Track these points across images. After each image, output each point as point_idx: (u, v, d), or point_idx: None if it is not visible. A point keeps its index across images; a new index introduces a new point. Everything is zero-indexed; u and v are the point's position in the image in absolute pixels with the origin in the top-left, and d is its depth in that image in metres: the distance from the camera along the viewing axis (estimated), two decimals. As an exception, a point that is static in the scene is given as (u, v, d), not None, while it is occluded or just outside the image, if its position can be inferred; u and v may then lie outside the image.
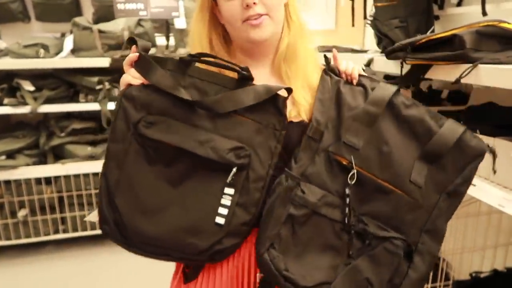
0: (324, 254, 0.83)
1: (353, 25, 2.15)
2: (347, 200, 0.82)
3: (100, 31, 2.32)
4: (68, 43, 2.38)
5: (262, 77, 0.93)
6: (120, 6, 2.30)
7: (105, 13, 2.43)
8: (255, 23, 0.85)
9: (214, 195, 0.83)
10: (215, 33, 0.93)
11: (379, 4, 1.72)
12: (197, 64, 0.86)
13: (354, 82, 0.88)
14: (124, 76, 0.86)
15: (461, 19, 1.65)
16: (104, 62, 2.30)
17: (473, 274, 1.71)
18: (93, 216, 0.90)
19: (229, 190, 0.82)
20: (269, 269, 0.82)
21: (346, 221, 0.82)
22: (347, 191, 0.82)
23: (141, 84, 0.84)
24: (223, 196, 0.82)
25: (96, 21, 2.45)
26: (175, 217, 0.82)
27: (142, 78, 0.83)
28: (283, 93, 0.84)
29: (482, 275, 1.70)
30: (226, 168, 0.81)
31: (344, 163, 0.83)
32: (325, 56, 0.91)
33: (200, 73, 0.85)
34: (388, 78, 1.65)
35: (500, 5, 1.46)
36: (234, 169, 0.81)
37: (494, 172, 0.84)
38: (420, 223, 0.84)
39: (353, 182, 0.82)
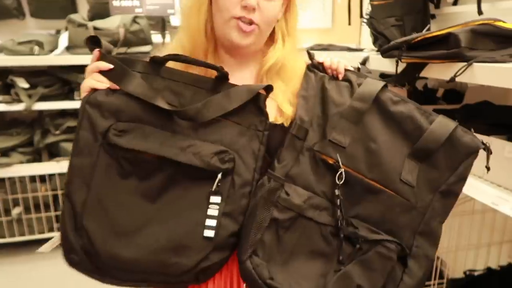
0: (312, 260, 0.78)
1: (349, 23, 2.15)
2: (338, 201, 0.77)
3: (95, 28, 2.31)
4: (63, 40, 2.36)
5: (244, 80, 0.88)
6: (115, 3, 2.29)
7: (101, 10, 2.41)
8: (244, 29, 0.81)
9: (199, 206, 0.75)
10: (210, 26, 0.87)
11: (375, 3, 1.72)
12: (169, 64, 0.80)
13: (340, 77, 0.85)
14: (85, 81, 0.78)
15: (457, 17, 1.65)
16: (99, 59, 2.28)
17: (467, 272, 1.71)
18: (46, 247, 0.81)
19: (216, 199, 0.75)
20: (252, 278, 0.76)
21: (339, 224, 0.77)
22: (336, 192, 0.77)
23: (107, 88, 0.76)
24: (210, 206, 0.75)
25: (92, 18, 2.44)
26: (155, 236, 0.74)
27: (109, 82, 0.76)
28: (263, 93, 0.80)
29: (476, 273, 1.71)
30: (210, 175, 0.75)
31: (331, 162, 0.79)
32: (308, 52, 0.88)
33: (174, 75, 0.79)
34: (384, 76, 1.65)
35: (496, 4, 1.46)
36: (219, 175, 0.75)
37: (488, 169, 0.81)
38: (413, 225, 0.79)
39: (341, 182, 0.77)
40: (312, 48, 2.10)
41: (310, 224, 0.78)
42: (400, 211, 0.79)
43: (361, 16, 2.00)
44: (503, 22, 1.10)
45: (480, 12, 1.42)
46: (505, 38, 1.09)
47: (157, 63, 0.78)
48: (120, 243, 0.74)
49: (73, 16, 2.34)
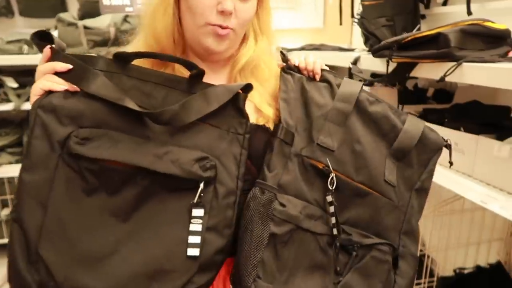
0: (311, 275, 0.74)
1: (340, 23, 2.16)
2: (331, 208, 0.73)
3: (85, 27, 2.29)
4: (53, 39, 2.34)
5: (213, 78, 0.83)
6: (106, 2, 2.27)
7: (91, 9, 2.39)
8: (220, 33, 0.75)
9: (179, 221, 0.66)
10: (177, 28, 0.79)
11: (366, 3, 1.73)
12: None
13: (317, 77, 0.82)
14: (37, 82, 0.66)
15: (447, 18, 1.66)
16: (89, 58, 2.26)
17: (457, 271, 1.73)
18: None
19: (198, 212, 0.66)
20: None
21: (335, 232, 0.73)
22: (329, 198, 0.73)
23: (64, 90, 0.65)
24: (192, 220, 0.66)
25: (82, 17, 2.42)
26: (130, 262, 0.64)
27: (67, 83, 0.66)
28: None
29: (466, 271, 1.73)
30: (191, 185, 0.66)
31: (320, 167, 0.75)
32: (281, 52, 0.84)
33: (142, 73, 0.69)
34: (375, 76, 1.66)
35: (485, 4, 1.48)
36: (202, 185, 0.66)
37: (451, 164, 0.84)
38: (398, 225, 0.80)
39: (333, 187, 0.74)
40: (304, 48, 2.10)
41: (306, 236, 0.73)
42: (385, 212, 0.79)
43: (352, 16, 2.01)
44: (492, 22, 1.11)
45: (469, 12, 1.43)
46: (494, 38, 1.10)
47: (122, 60, 0.69)
48: (86, 274, 0.62)
49: (62, 15, 2.31)
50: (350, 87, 0.81)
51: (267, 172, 0.74)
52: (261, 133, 0.78)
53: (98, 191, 0.64)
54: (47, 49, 0.67)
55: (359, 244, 0.76)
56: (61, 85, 0.65)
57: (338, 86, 0.81)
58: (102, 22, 2.34)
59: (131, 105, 0.64)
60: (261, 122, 0.80)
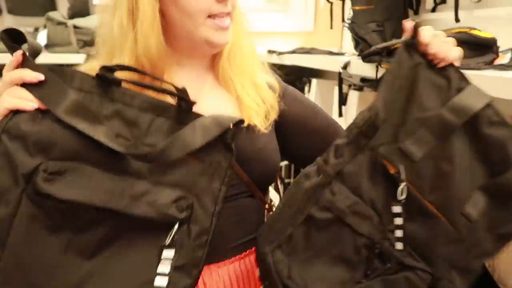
0: (334, 265, 0.70)
1: (331, 27, 2.17)
2: (397, 220, 0.67)
3: (75, 27, 2.27)
4: (41, 38, 2.32)
5: (200, 77, 0.81)
6: (96, 1, 2.26)
7: (81, 9, 2.37)
8: (223, 25, 0.72)
9: (148, 262, 0.61)
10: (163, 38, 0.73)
11: (357, 8, 1.74)
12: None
13: (441, 65, 0.69)
14: (2, 99, 0.57)
15: (435, 24, 1.67)
16: (79, 58, 2.23)
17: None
18: None
19: (169, 253, 0.62)
20: (269, 273, 0.69)
21: (400, 247, 0.68)
22: (397, 209, 0.67)
23: (34, 110, 0.57)
24: (161, 261, 0.61)
25: (72, 16, 2.40)
26: None
27: (36, 100, 0.57)
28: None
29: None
30: (164, 226, 0.62)
31: (391, 172, 0.68)
32: (414, 25, 0.68)
33: (127, 96, 0.63)
34: (364, 81, 1.68)
35: (473, 12, 1.50)
36: (176, 226, 0.62)
37: None
38: (454, 258, 0.69)
39: (403, 198, 0.66)
40: (295, 51, 2.11)
41: (345, 230, 0.69)
42: (446, 241, 0.69)
43: (343, 20, 2.02)
44: (479, 30, 1.13)
45: (457, 19, 1.46)
46: (480, 46, 1.12)
47: (106, 79, 0.61)
48: None
49: (52, 14, 2.29)
50: (471, 98, 0.67)
51: (332, 158, 0.69)
52: (246, 133, 0.76)
53: (63, 229, 0.59)
54: (17, 53, 0.59)
55: (400, 261, 0.69)
56: (30, 102, 0.57)
57: (459, 91, 0.68)
58: (93, 22, 2.32)
59: (111, 142, 0.58)
60: (244, 119, 0.76)
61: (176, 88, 0.65)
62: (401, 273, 0.69)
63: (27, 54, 0.59)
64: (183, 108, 0.65)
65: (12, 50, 0.60)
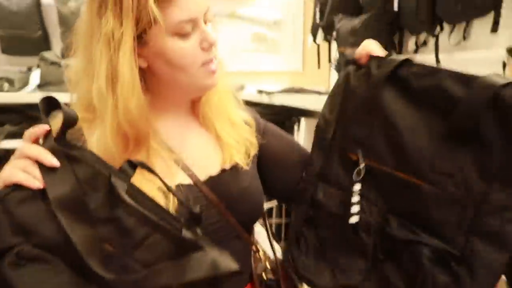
0: (346, 255, 0.75)
1: (319, 67, 2.25)
2: (356, 198, 0.73)
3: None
4: (35, 77, 2.34)
5: (185, 123, 0.80)
6: (90, 43, 2.30)
7: (75, 49, 2.42)
8: (214, 69, 0.73)
9: None
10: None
11: (342, 49, 1.82)
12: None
13: (362, 61, 0.77)
14: (12, 168, 0.56)
15: (418, 66, 1.75)
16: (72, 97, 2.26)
17: None
18: None
19: None
20: (289, 266, 0.81)
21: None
22: (355, 187, 0.74)
23: (36, 190, 0.55)
24: None
25: (66, 56, 2.44)
26: None
27: (42, 180, 0.55)
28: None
29: None
30: None
31: (354, 158, 0.75)
32: (344, 49, 0.81)
33: (131, 204, 0.57)
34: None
35: (453, 54, 1.57)
36: None
37: None
38: (459, 222, 0.62)
39: (359, 178, 0.73)
40: (284, 91, 2.16)
41: (343, 222, 0.75)
42: (435, 205, 0.64)
43: (330, 61, 2.10)
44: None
45: (437, 61, 1.52)
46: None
47: (116, 192, 0.56)
48: None
49: (46, 54, 2.33)
50: (382, 68, 0.72)
51: (309, 166, 0.82)
52: (230, 174, 0.77)
53: None
54: (43, 128, 0.58)
55: (400, 238, 0.67)
56: (37, 182, 0.55)
57: (378, 68, 0.74)
58: (86, 62, 2.36)
59: (86, 250, 0.53)
60: (226, 160, 0.78)
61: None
62: (407, 250, 0.66)
63: (62, 122, 0.57)
64: (185, 227, 0.59)
65: (47, 114, 0.59)
